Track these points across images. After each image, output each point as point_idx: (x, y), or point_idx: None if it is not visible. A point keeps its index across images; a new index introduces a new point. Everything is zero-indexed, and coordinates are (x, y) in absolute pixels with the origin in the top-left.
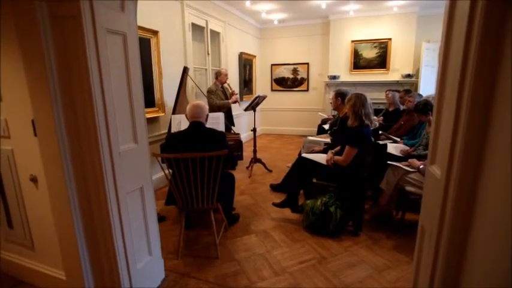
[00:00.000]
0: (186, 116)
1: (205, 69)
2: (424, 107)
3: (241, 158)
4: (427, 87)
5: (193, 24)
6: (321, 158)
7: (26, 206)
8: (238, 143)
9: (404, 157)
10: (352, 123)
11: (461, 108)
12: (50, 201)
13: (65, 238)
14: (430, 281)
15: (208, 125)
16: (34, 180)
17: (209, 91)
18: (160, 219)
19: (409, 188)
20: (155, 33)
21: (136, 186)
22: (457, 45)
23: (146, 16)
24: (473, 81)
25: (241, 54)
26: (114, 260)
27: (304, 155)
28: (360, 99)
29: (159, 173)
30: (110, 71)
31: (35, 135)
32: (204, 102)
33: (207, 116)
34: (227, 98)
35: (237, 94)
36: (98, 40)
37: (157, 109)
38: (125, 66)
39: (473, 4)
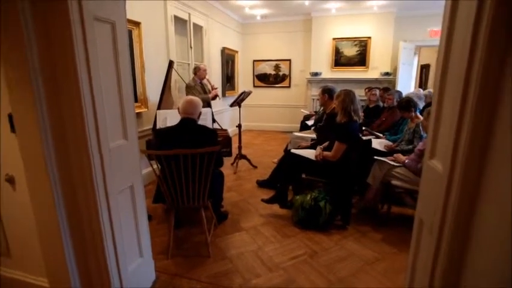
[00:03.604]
0: (178, 109)
1: (188, 63)
2: (407, 104)
3: (230, 154)
4: (404, 85)
5: (175, 17)
6: (310, 153)
7: (0, 209)
8: (227, 139)
9: (389, 152)
10: (340, 119)
11: (466, 103)
12: (31, 203)
13: (49, 244)
14: (431, 274)
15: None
16: (11, 180)
17: (188, 87)
18: (147, 217)
19: (395, 182)
20: (137, 24)
21: (127, 185)
22: (461, 40)
23: (127, 6)
24: (480, 75)
25: (223, 49)
26: (104, 264)
27: (293, 150)
28: (349, 96)
29: (144, 170)
30: (98, 62)
31: (13, 131)
32: (199, 99)
33: (200, 113)
34: (206, 94)
35: (217, 88)
36: (86, 28)
37: (140, 104)
38: (113, 57)
39: (480, 4)
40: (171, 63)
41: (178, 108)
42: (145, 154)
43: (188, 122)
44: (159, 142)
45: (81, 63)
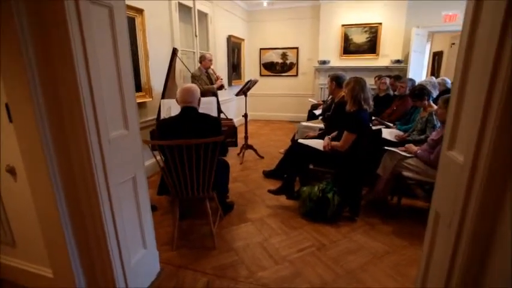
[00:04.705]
0: (176, 100)
1: (193, 52)
2: (421, 92)
3: (235, 144)
4: (416, 73)
5: (180, 4)
6: (318, 143)
7: (3, 200)
8: (232, 129)
9: (399, 142)
10: (350, 108)
11: (494, 92)
12: (31, 194)
13: (50, 234)
14: (448, 271)
15: (201, 110)
16: (11, 171)
17: (193, 76)
18: (151, 208)
19: (406, 173)
20: (140, 11)
21: (129, 176)
22: (489, 25)
23: None
24: (510, 67)
25: (229, 37)
26: (106, 255)
27: (300, 140)
28: (360, 84)
29: (148, 161)
30: (95, 48)
31: (10, 121)
32: (195, 85)
33: (199, 100)
34: (212, 84)
35: (222, 79)
36: (81, 10)
37: (144, 94)
38: (112, 42)
39: None
40: (174, 51)
41: (176, 99)
42: (147, 144)
43: (189, 111)
44: (162, 133)
45: (76, 47)
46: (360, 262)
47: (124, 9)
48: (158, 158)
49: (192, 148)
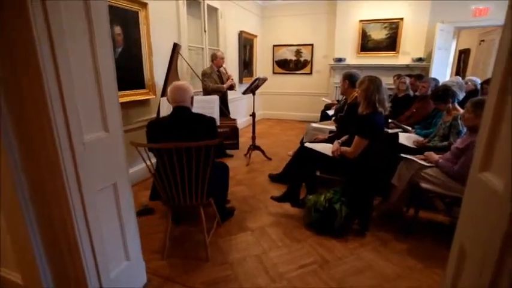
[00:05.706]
0: (167, 100)
1: (202, 48)
2: (445, 93)
3: (237, 147)
4: (439, 72)
5: None
6: (326, 148)
7: None
8: (234, 130)
9: (418, 149)
10: (363, 110)
11: None
12: None
13: (18, 242)
14: None
15: (202, 110)
16: None
17: (204, 74)
18: (148, 211)
19: (425, 185)
20: (144, 5)
21: (108, 183)
22: None
23: None
24: None
25: (241, 33)
26: (80, 268)
27: (307, 144)
28: (374, 83)
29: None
30: (65, 42)
31: None
32: (187, 83)
33: (192, 98)
34: (223, 83)
35: (233, 79)
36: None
37: (148, 91)
38: (88, 36)
39: None
40: (175, 46)
41: (167, 99)
42: (135, 147)
43: (182, 111)
44: (152, 135)
45: (41, 41)
46: (367, 286)
47: None
48: (148, 162)
49: (183, 151)
